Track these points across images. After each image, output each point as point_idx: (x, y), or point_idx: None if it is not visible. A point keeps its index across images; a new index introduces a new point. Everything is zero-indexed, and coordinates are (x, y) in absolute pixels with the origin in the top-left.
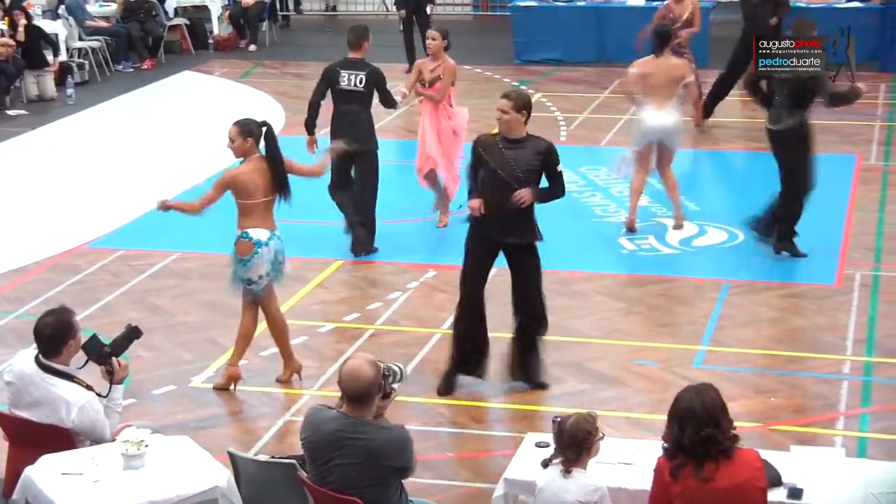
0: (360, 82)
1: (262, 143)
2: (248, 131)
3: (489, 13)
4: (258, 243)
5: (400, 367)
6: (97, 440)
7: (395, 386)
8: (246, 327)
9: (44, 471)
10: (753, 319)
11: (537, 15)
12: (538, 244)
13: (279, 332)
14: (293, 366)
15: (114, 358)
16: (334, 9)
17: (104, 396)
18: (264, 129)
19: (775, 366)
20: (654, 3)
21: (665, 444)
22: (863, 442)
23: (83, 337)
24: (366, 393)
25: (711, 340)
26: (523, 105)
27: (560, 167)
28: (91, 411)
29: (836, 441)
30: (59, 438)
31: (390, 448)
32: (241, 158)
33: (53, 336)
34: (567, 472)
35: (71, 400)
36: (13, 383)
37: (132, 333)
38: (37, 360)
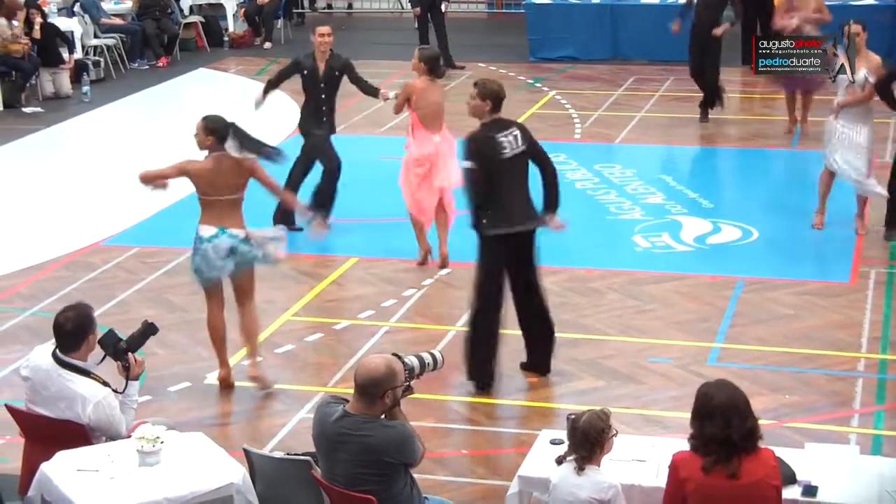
0: None
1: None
2: (211, 129)
3: (504, 11)
4: (199, 239)
5: (421, 358)
6: (113, 436)
7: (411, 383)
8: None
9: (59, 467)
10: (768, 317)
11: (552, 12)
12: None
13: (217, 334)
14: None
15: (130, 353)
16: (329, 7)
17: (120, 392)
18: (231, 129)
19: (790, 363)
20: (669, 1)
21: (695, 442)
22: (878, 439)
23: (100, 333)
24: (369, 387)
25: (726, 338)
26: (487, 93)
27: (464, 163)
28: (107, 407)
29: (851, 438)
30: (75, 435)
31: (389, 445)
32: (206, 153)
33: (74, 331)
34: (581, 469)
35: (87, 395)
36: (30, 379)
37: (148, 330)
38: (54, 355)
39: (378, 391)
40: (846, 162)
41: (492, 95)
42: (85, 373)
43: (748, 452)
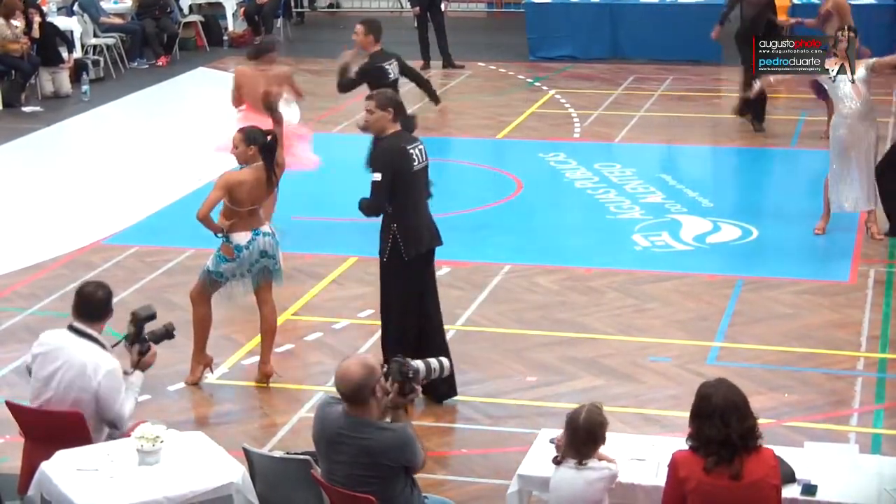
0: None
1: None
2: (252, 139)
3: (503, 10)
4: (238, 248)
5: (427, 363)
6: (115, 416)
7: (417, 386)
8: (203, 319)
9: (59, 466)
10: (767, 316)
11: (551, 11)
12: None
13: (268, 331)
14: (266, 370)
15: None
16: (337, 6)
17: (128, 374)
18: (269, 138)
19: (789, 362)
20: (668, 0)
21: (693, 443)
22: (877, 438)
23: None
24: (356, 393)
25: (725, 337)
26: (387, 102)
27: (374, 175)
28: (117, 379)
29: (850, 437)
30: (75, 433)
31: (388, 448)
32: (243, 164)
33: (105, 299)
34: (581, 464)
35: (100, 362)
36: (40, 354)
37: (168, 333)
38: (70, 327)
39: (365, 393)
40: (861, 189)
41: (393, 104)
42: (100, 344)
43: (748, 452)
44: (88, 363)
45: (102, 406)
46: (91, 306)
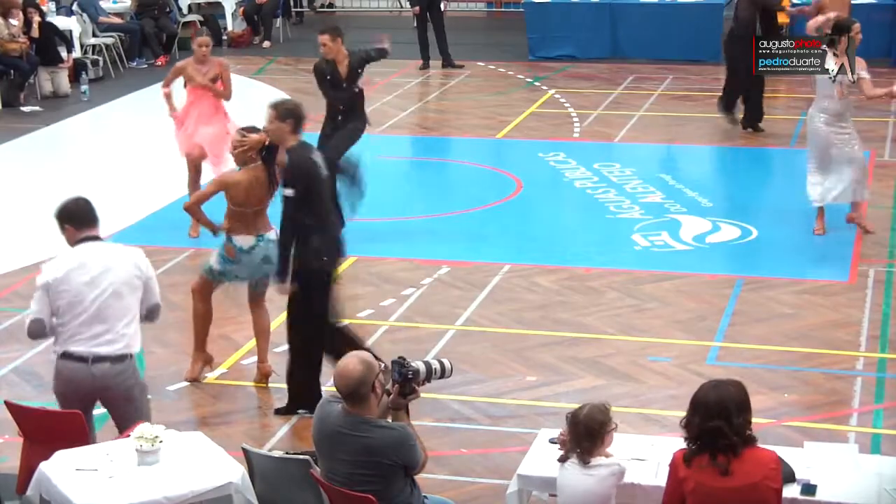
0: None
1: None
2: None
3: (503, 10)
4: (240, 250)
5: (428, 364)
6: (158, 302)
7: (416, 387)
8: (204, 315)
9: (58, 466)
10: (767, 316)
11: (551, 11)
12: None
13: (262, 332)
14: (264, 369)
15: None
16: (330, 6)
17: None
18: (268, 140)
19: (789, 362)
20: (667, 0)
21: (684, 433)
22: (876, 438)
23: None
24: (355, 391)
25: (725, 337)
26: (286, 113)
27: (286, 191)
28: (152, 273)
29: (850, 437)
30: (74, 434)
31: (388, 447)
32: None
33: (90, 204)
34: (585, 462)
35: (135, 253)
36: (72, 269)
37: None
38: (83, 240)
39: (364, 390)
40: (842, 181)
41: (293, 115)
42: None
43: (735, 451)
44: (130, 257)
45: (150, 293)
46: (84, 212)
